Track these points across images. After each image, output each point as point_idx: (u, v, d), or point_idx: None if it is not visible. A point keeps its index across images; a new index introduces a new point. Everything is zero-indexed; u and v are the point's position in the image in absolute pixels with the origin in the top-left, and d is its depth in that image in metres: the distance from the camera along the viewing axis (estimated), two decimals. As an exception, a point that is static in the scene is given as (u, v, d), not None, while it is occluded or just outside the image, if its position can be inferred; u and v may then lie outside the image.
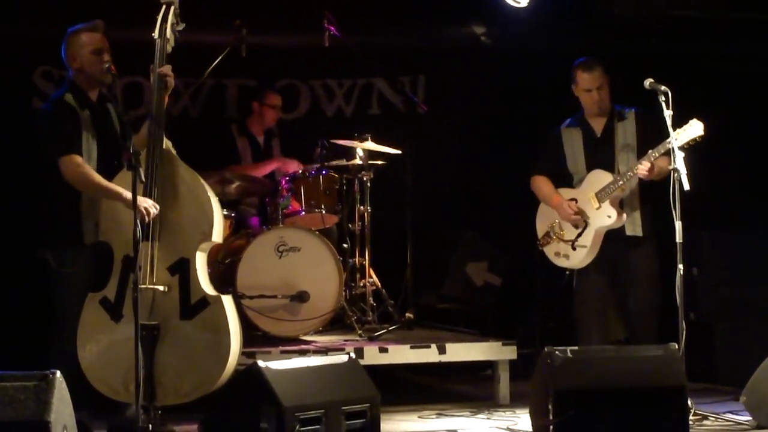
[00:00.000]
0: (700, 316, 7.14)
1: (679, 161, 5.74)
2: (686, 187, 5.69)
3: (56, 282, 5.43)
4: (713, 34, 7.86)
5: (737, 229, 7.45)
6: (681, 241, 5.71)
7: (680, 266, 5.69)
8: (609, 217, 6.23)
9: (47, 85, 7.79)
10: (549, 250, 6.45)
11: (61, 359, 5.02)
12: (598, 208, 6.26)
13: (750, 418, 5.61)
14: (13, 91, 7.72)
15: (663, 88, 5.86)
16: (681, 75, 7.06)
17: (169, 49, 5.36)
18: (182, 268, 5.30)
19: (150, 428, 4.95)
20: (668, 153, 5.89)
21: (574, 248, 6.31)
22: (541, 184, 6.49)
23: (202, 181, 5.42)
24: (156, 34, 5.34)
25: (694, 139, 5.88)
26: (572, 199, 6.35)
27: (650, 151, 6.06)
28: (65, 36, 5.54)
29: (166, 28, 5.33)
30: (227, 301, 5.35)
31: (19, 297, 7.11)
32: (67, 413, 4.48)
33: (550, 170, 6.48)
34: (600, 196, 6.27)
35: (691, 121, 5.90)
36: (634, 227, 6.29)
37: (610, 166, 6.31)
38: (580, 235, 6.31)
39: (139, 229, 4.88)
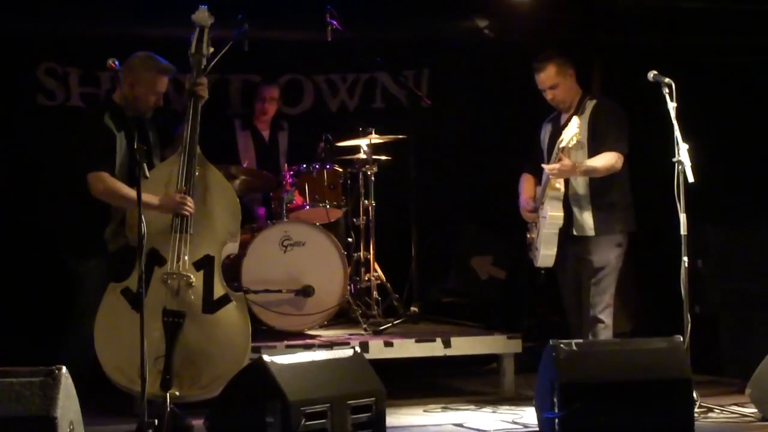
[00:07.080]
0: (705, 308, 7.12)
1: (683, 153, 5.70)
2: (690, 179, 5.66)
3: (75, 280, 5.64)
4: (717, 26, 7.84)
5: (742, 222, 7.43)
6: (686, 233, 5.70)
7: (685, 259, 5.68)
8: (544, 218, 6.06)
9: (51, 81, 7.79)
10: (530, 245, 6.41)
11: (73, 352, 5.41)
12: (541, 209, 6.13)
13: (755, 410, 5.61)
14: (17, 87, 7.73)
15: (667, 80, 5.78)
16: (685, 67, 7.05)
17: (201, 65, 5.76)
18: (207, 264, 5.51)
19: (156, 423, 4.94)
20: (571, 151, 5.85)
21: (537, 247, 6.19)
22: (521, 182, 6.40)
23: (230, 186, 5.75)
24: (192, 50, 5.72)
25: (575, 136, 5.81)
26: (533, 198, 6.26)
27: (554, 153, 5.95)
28: (137, 58, 5.73)
29: (202, 48, 5.73)
30: (243, 300, 5.56)
31: (35, 294, 7.26)
32: (73, 409, 4.49)
33: (533, 167, 6.33)
34: (539, 196, 6.17)
35: (571, 121, 5.88)
36: (583, 228, 6.08)
37: None
38: (537, 234, 6.20)
39: (144, 224, 4.91)
